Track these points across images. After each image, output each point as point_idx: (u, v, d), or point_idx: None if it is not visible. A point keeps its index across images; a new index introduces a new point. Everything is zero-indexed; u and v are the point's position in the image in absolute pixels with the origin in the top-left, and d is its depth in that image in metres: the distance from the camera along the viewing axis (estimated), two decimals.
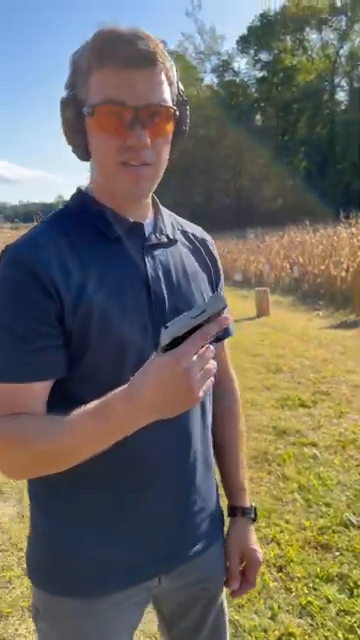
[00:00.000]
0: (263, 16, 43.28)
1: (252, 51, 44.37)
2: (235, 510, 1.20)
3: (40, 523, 1.04)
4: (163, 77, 0.90)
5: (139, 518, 1.00)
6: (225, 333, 1.18)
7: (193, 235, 1.14)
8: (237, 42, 45.06)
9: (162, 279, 1.00)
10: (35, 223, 1.15)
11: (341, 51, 42.22)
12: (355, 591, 2.29)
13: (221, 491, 1.21)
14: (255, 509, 1.22)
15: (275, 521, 2.87)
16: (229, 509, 1.21)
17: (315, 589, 2.33)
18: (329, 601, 2.25)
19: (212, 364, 0.80)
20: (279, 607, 2.23)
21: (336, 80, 42.70)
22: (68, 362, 0.92)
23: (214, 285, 1.14)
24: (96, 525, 0.99)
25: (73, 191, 1.05)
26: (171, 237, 1.05)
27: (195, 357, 0.76)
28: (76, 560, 0.99)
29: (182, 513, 1.07)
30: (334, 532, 2.73)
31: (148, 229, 1.02)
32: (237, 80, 45.68)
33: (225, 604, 1.21)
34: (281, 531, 2.77)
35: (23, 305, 0.87)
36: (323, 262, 11.58)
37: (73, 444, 0.84)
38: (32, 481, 1.03)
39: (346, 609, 2.19)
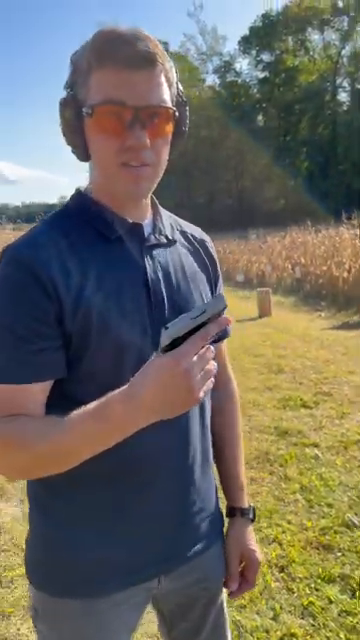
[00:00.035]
0: (265, 16, 43.28)
1: (254, 52, 44.34)
2: (234, 510, 1.20)
3: (39, 524, 1.04)
4: (163, 78, 0.90)
5: (139, 519, 1.00)
6: (223, 334, 1.18)
7: (192, 236, 1.14)
8: (239, 43, 45.08)
9: (161, 280, 1.00)
10: None
11: (343, 52, 42.20)
12: (357, 592, 2.29)
13: (220, 492, 1.21)
14: (254, 509, 1.22)
15: (277, 521, 2.87)
16: (228, 510, 1.21)
17: (317, 590, 2.33)
18: (331, 602, 2.25)
19: (212, 365, 0.80)
20: (281, 607, 2.24)
21: (338, 81, 42.66)
22: (68, 363, 0.91)
23: (213, 285, 1.15)
24: (96, 526, 0.99)
25: None
26: (170, 238, 1.05)
27: (195, 358, 0.76)
28: (76, 561, 0.99)
29: (182, 514, 1.07)
30: (336, 533, 2.73)
31: (147, 230, 1.02)
32: (239, 81, 45.66)
33: (225, 604, 1.21)
34: (283, 531, 2.77)
35: (23, 305, 0.87)
36: (325, 263, 11.56)
37: (73, 445, 0.84)
38: (31, 482, 1.03)
39: (348, 610, 2.19)
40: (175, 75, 0.95)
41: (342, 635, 2.06)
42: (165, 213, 1.10)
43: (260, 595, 2.32)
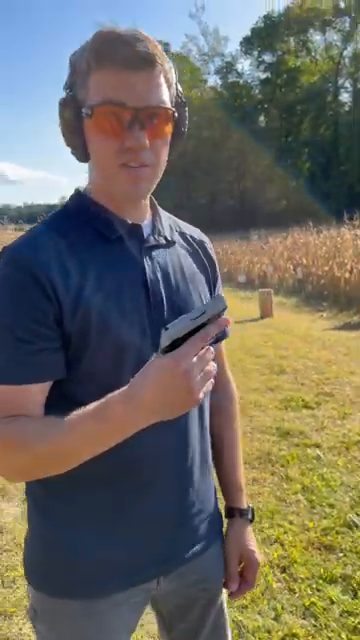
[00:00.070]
0: (267, 17, 43.25)
1: (256, 52, 44.33)
2: (233, 511, 1.20)
3: (38, 525, 1.04)
4: (162, 79, 0.90)
5: (138, 519, 1.00)
6: (222, 334, 1.18)
7: (191, 237, 1.14)
8: (241, 43, 45.07)
9: (161, 280, 1.00)
10: None
11: (345, 52, 42.18)
12: (359, 592, 2.29)
13: (219, 493, 1.21)
14: (253, 510, 1.22)
15: (279, 522, 2.87)
16: (227, 510, 1.21)
17: (319, 590, 2.33)
18: (333, 602, 2.25)
19: (212, 365, 0.80)
20: (282, 608, 2.24)
21: (340, 81, 42.64)
22: (67, 363, 0.91)
23: (212, 286, 1.15)
24: (96, 526, 0.99)
25: None
26: (169, 239, 1.06)
27: (195, 358, 0.76)
28: (75, 561, 0.99)
29: (181, 514, 1.07)
30: (338, 533, 2.73)
31: (146, 230, 1.02)
32: (241, 81, 45.64)
33: (225, 605, 1.21)
34: (285, 532, 2.77)
35: (23, 305, 0.87)
36: (327, 263, 11.55)
37: (72, 446, 0.84)
38: (30, 482, 1.03)
39: (350, 610, 2.19)
40: (174, 76, 0.95)
41: (344, 635, 2.06)
42: (164, 214, 1.10)
43: (262, 595, 2.32)
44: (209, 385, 0.80)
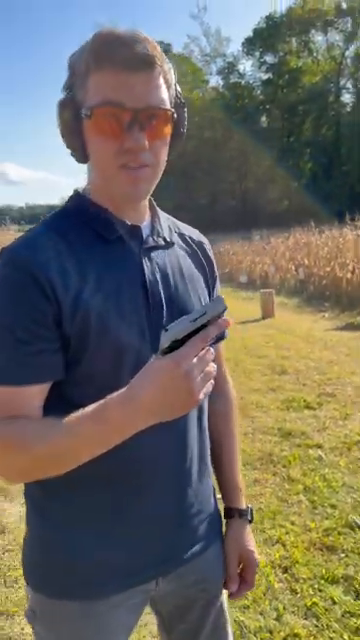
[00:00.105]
0: (269, 18, 43.17)
1: (257, 53, 44.23)
2: (232, 512, 1.20)
3: (37, 526, 1.04)
4: (161, 79, 0.91)
5: (137, 521, 1.00)
6: (221, 335, 1.17)
7: (190, 238, 1.14)
8: (242, 44, 44.95)
9: (160, 282, 1.00)
10: None
11: (347, 53, 42.07)
12: None
13: (218, 494, 1.22)
14: (252, 510, 1.22)
15: (280, 522, 2.87)
16: (226, 511, 1.21)
17: (320, 590, 2.33)
18: (334, 602, 2.25)
19: (212, 367, 0.80)
20: (284, 608, 2.24)
21: (342, 82, 42.55)
22: (66, 365, 0.91)
23: (210, 287, 1.15)
24: (94, 528, 0.99)
25: None
26: (168, 240, 1.06)
27: (195, 360, 0.76)
28: (74, 563, 0.99)
29: (180, 515, 1.07)
30: (339, 534, 2.73)
31: (145, 231, 1.02)
32: (242, 82, 45.55)
33: (225, 605, 1.21)
34: (286, 532, 2.77)
35: (22, 305, 0.87)
36: (329, 264, 11.55)
37: (71, 447, 0.84)
38: (29, 484, 1.03)
39: (352, 611, 2.19)
40: (174, 77, 0.95)
41: (346, 636, 2.06)
42: (163, 215, 1.10)
43: (263, 596, 2.32)
44: (209, 386, 0.80)
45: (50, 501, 1.00)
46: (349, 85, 42.95)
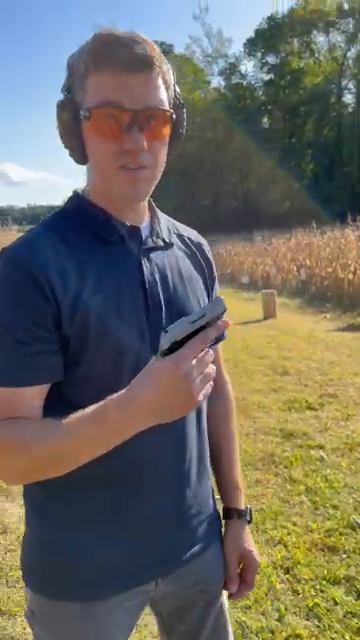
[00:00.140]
0: (270, 19, 43.19)
1: (259, 54, 44.27)
2: (230, 512, 1.20)
3: (36, 527, 1.04)
4: (160, 81, 0.91)
5: (137, 522, 1.00)
6: (219, 336, 1.17)
7: (189, 239, 1.14)
8: (244, 45, 45.00)
9: (159, 283, 1.00)
10: None
11: (348, 54, 42.10)
12: None
13: (217, 495, 1.22)
14: (250, 511, 1.22)
15: (282, 523, 2.87)
16: (224, 511, 1.21)
17: (322, 591, 2.33)
18: (336, 603, 2.25)
19: (211, 368, 0.81)
20: (286, 609, 2.24)
21: (343, 83, 42.57)
22: (65, 366, 0.91)
23: (209, 288, 1.15)
24: (94, 529, 0.99)
25: None
26: (167, 241, 1.06)
27: (194, 361, 0.77)
28: (73, 564, 0.99)
29: (179, 516, 1.07)
30: (341, 534, 2.73)
31: (145, 233, 1.02)
32: (244, 83, 45.57)
33: (225, 606, 1.20)
34: (288, 533, 2.77)
35: (22, 306, 0.87)
36: (330, 265, 11.54)
37: (71, 448, 0.84)
38: (28, 485, 1.03)
39: (353, 611, 2.19)
40: (172, 77, 0.95)
41: (347, 637, 2.06)
42: (162, 216, 1.10)
43: (265, 596, 2.32)
44: (208, 387, 0.80)
45: (50, 502, 1.00)
46: (351, 86, 42.98)
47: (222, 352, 1.26)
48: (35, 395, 0.90)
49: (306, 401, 4.75)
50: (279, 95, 43.33)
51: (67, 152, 0.97)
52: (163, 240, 1.05)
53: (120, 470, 0.96)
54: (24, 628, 2.20)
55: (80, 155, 0.95)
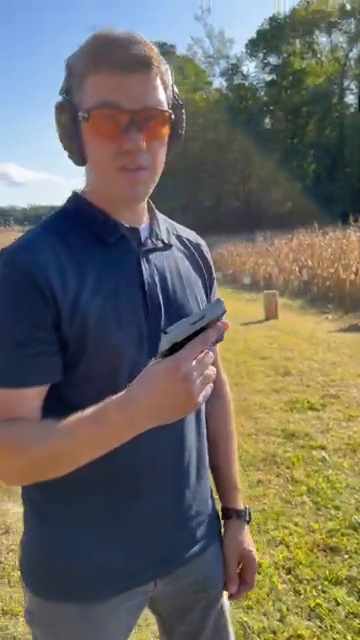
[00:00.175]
0: (272, 19, 43.20)
1: (261, 54, 44.26)
2: (229, 512, 1.20)
3: (35, 527, 1.04)
4: (158, 81, 0.90)
5: (136, 523, 1.00)
6: (218, 338, 1.18)
7: (188, 240, 1.14)
8: (246, 45, 45.02)
9: (158, 284, 1.00)
10: None
11: (350, 54, 42.08)
12: None
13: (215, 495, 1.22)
14: (249, 511, 1.22)
15: (284, 524, 2.87)
16: (223, 512, 1.21)
17: (324, 592, 2.33)
18: (338, 604, 2.25)
19: (211, 369, 0.80)
20: (288, 609, 2.24)
21: (345, 83, 42.56)
22: (64, 367, 0.91)
23: (208, 289, 1.15)
24: (93, 530, 0.99)
25: None
26: (166, 242, 1.06)
27: (194, 362, 0.76)
28: (72, 565, 0.99)
29: (179, 517, 1.07)
30: (343, 535, 2.73)
31: (144, 234, 1.02)
32: (246, 83, 45.56)
33: (226, 606, 1.20)
34: (290, 533, 2.77)
35: (22, 307, 0.87)
36: (332, 265, 11.53)
37: (70, 449, 0.84)
38: (27, 485, 1.03)
39: (355, 612, 2.19)
40: (171, 78, 0.95)
41: (349, 637, 2.06)
42: (161, 217, 1.10)
43: (267, 597, 2.32)
44: (208, 389, 0.80)
45: (49, 503, 1.00)
46: (353, 86, 42.97)
47: (219, 352, 1.26)
48: (34, 396, 0.90)
49: (308, 402, 4.75)
50: (281, 96, 43.32)
51: (66, 153, 0.96)
52: (162, 241, 1.05)
53: (119, 471, 0.96)
54: (26, 628, 2.20)
55: (79, 156, 0.94)
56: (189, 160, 34.84)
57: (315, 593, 2.32)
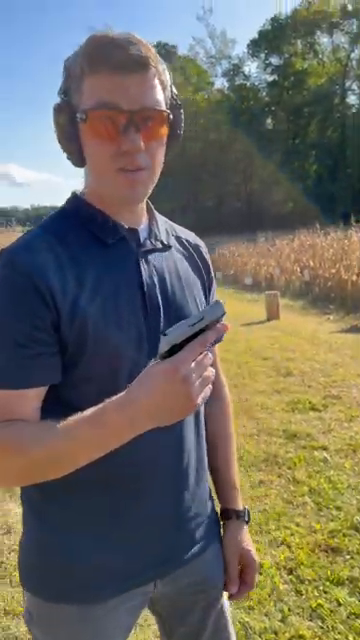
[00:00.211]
0: (274, 20, 43.18)
1: (263, 55, 44.25)
2: (229, 513, 1.20)
3: (34, 529, 1.04)
4: (156, 81, 0.90)
5: (135, 524, 1.00)
6: (217, 339, 1.18)
7: (187, 241, 1.14)
8: (248, 46, 44.97)
9: (157, 285, 1.00)
10: None
11: (352, 55, 42.04)
12: None
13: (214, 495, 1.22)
14: (248, 511, 1.22)
15: (285, 524, 2.87)
16: (222, 512, 1.21)
17: (325, 592, 2.33)
18: (339, 604, 2.25)
19: (210, 371, 0.81)
20: (289, 610, 2.24)
21: (347, 84, 42.51)
22: (63, 368, 0.91)
23: (207, 290, 1.15)
24: (92, 531, 0.99)
25: None
26: (165, 243, 1.06)
27: (194, 364, 0.76)
28: (71, 566, 0.99)
29: (178, 518, 1.07)
30: (344, 535, 2.73)
31: (143, 235, 1.02)
32: (248, 84, 45.54)
33: (226, 607, 1.20)
34: (291, 534, 2.77)
35: (22, 308, 0.87)
36: (334, 266, 11.52)
37: (69, 451, 0.84)
38: (26, 486, 1.03)
39: (356, 612, 2.19)
40: (169, 78, 0.95)
41: (351, 638, 2.06)
42: (160, 218, 1.10)
43: (268, 597, 2.32)
44: (207, 391, 0.80)
45: (48, 504, 1.00)
46: (354, 87, 42.96)
47: (218, 353, 1.26)
48: (33, 397, 0.90)
49: (309, 402, 4.75)
50: (283, 96, 43.31)
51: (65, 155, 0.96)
52: (161, 242, 1.05)
53: (118, 473, 0.96)
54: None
55: (78, 158, 0.94)
56: (191, 160, 34.85)
57: (317, 594, 2.32)
